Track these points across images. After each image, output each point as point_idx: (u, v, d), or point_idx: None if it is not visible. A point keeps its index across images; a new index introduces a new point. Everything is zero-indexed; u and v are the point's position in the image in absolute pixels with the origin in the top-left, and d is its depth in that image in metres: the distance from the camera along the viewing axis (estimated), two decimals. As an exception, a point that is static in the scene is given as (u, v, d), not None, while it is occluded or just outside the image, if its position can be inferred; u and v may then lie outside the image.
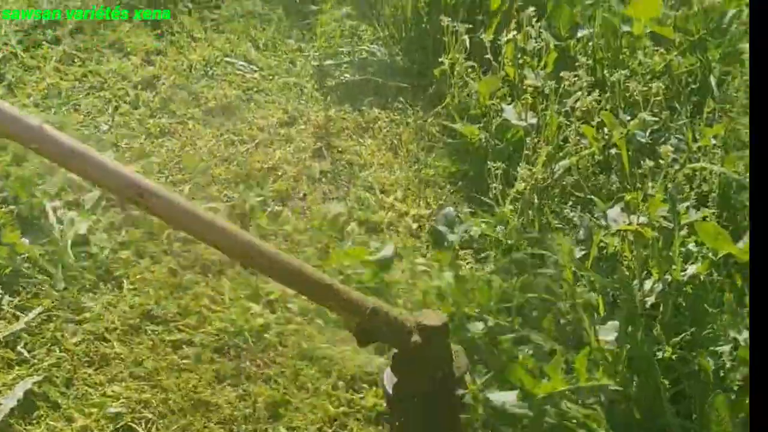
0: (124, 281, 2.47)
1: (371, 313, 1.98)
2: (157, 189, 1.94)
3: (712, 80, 2.84)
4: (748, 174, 2.45)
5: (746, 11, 3.14)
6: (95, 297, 2.42)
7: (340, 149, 2.98)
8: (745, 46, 2.94)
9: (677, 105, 2.79)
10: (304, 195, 2.79)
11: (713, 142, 2.54)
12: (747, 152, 2.53)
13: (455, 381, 2.10)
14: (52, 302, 2.39)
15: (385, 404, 2.21)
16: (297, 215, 2.71)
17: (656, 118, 2.69)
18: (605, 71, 2.91)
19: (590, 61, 2.91)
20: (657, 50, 2.93)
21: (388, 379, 2.11)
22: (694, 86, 2.90)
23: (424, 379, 2.08)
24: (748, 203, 2.42)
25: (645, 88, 2.71)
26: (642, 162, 2.36)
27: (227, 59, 3.44)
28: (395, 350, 2.07)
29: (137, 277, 2.48)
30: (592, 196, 2.50)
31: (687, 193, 2.42)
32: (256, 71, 3.39)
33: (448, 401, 2.11)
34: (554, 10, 3.05)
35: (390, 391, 2.10)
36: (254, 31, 3.62)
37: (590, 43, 3.01)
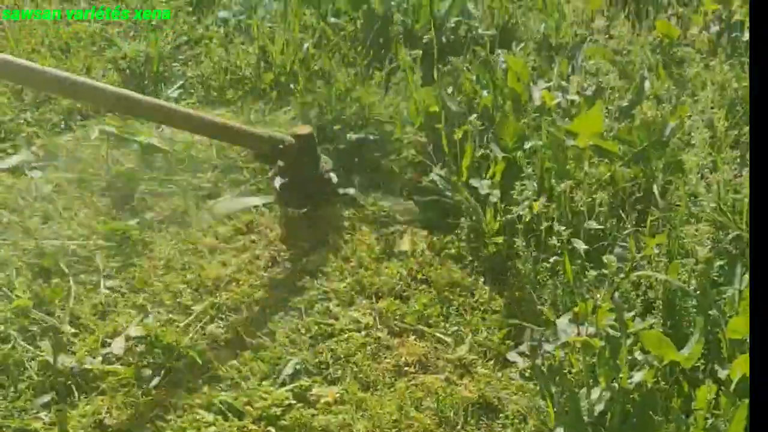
0: (75, 389, 2.46)
1: (269, 139, 3.03)
2: (130, 93, 2.75)
3: (656, 190, 2.91)
4: (691, 281, 2.50)
5: (688, 122, 3.25)
6: (46, 405, 2.41)
7: (295, 258, 3.01)
8: (686, 156, 3.04)
9: (622, 214, 2.86)
10: (259, 302, 2.82)
11: (656, 250, 2.61)
12: (690, 260, 2.59)
13: (322, 175, 3.16)
14: (2, 412, 2.38)
15: (276, 200, 3.18)
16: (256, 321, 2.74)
17: (601, 227, 2.76)
18: (552, 180, 2.97)
19: (537, 172, 2.99)
20: (602, 161, 3.00)
21: (278, 182, 3.15)
22: (638, 195, 2.97)
23: (301, 175, 3.13)
24: (693, 310, 2.48)
25: (590, 199, 2.79)
26: (587, 272, 2.42)
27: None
28: (281, 162, 3.13)
29: (89, 385, 2.48)
30: (541, 307, 2.55)
31: (633, 301, 2.48)
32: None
33: (317, 189, 3.16)
34: (501, 122, 3.13)
35: (278, 189, 3.14)
36: (210, 140, 3.66)
37: (537, 154, 3.08)
